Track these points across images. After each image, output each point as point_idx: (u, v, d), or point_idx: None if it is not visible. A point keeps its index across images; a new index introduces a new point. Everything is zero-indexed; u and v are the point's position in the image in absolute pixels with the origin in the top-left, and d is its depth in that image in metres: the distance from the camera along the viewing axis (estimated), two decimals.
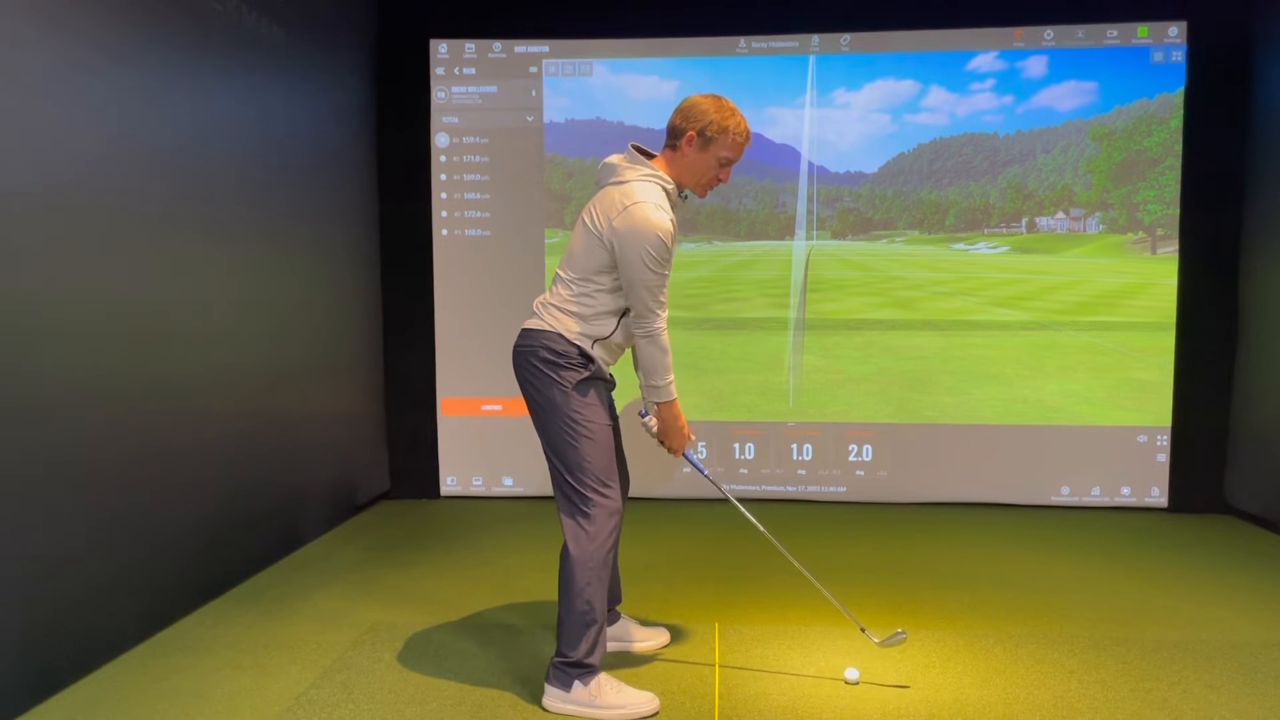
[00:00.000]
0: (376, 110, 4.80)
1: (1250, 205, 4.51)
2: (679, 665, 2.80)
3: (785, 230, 4.93)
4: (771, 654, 2.89)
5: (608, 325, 2.55)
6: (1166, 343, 4.69)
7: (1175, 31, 4.58)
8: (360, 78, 4.65)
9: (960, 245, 4.87)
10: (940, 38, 4.69)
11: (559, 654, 2.51)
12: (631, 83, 4.83)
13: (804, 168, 4.86)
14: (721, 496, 2.81)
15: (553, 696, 2.51)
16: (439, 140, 4.87)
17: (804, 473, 4.91)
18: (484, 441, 4.97)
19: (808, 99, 4.78)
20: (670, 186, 2.53)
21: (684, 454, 2.71)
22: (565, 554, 2.51)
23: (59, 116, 2.57)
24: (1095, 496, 4.78)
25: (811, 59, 4.76)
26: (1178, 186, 4.63)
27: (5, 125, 2.37)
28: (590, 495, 2.50)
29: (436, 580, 3.63)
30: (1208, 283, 4.64)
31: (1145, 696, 2.59)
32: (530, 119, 4.85)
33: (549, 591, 3.36)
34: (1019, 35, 4.66)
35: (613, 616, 2.89)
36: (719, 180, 2.59)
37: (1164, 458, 4.73)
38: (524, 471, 4.95)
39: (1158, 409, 4.71)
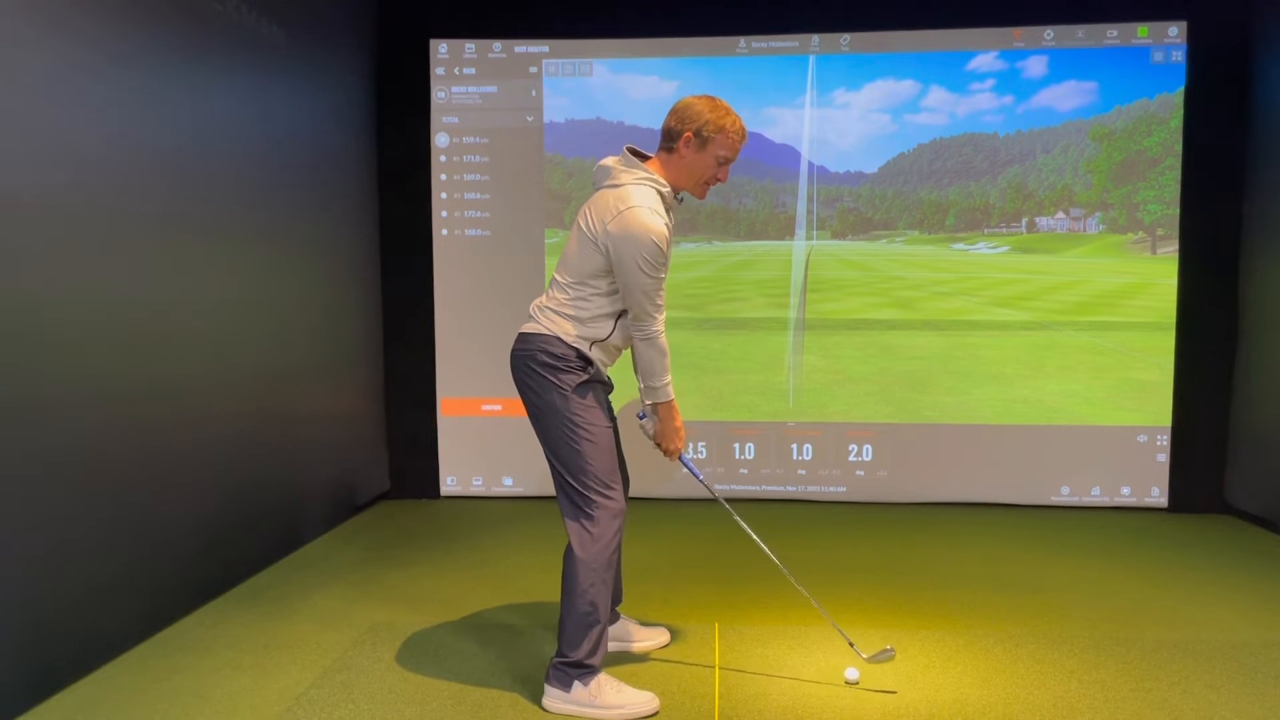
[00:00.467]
0: (376, 110, 4.81)
1: (1250, 205, 4.51)
2: (679, 665, 2.80)
3: (785, 230, 4.93)
4: (771, 654, 2.89)
5: (605, 327, 2.55)
6: (1166, 343, 4.69)
7: (1175, 31, 4.58)
8: (360, 78, 4.65)
9: (960, 245, 4.87)
10: (940, 38, 4.69)
11: (559, 654, 2.51)
12: (631, 83, 4.83)
13: (804, 168, 4.86)
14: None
15: (553, 696, 2.51)
16: (439, 140, 4.87)
17: (804, 473, 4.91)
18: (484, 441, 4.97)
19: (808, 99, 4.78)
20: (665, 189, 2.52)
21: (680, 458, 2.71)
22: (570, 555, 2.50)
23: (59, 116, 2.57)
24: (1095, 496, 4.78)
25: (811, 59, 4.76)
26: (1178, 186, 4.63)
27: (5, 125, 2.37)
28: (594, 498, 2.50)
29: (436, 580, 3.63)
30: (1208, 283, 4.64)
31: (1145, 696, 2.59)
32: (530, 119, 4.85)
33: (549, 592, 3.37)
34: (1019, 35, 4.66)
35: (613, 616, 2.89)
36: (718, 179, 2.58)
37: (1164, 458, 4.73)
38: (524, 471, 4.95)
39: (1158, 409, 4.71)
